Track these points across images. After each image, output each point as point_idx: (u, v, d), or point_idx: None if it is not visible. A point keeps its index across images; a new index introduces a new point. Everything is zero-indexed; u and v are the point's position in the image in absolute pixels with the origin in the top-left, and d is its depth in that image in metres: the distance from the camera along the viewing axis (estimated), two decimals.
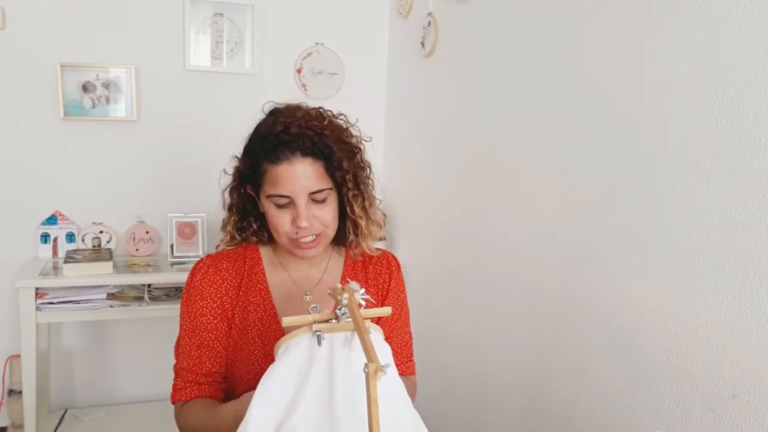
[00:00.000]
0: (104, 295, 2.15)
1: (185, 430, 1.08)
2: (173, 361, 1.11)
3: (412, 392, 1.16)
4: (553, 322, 1.52)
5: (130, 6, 2.31)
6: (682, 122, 1.12)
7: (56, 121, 2.29)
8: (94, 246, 2.38)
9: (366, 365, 0.65)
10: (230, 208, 1.14)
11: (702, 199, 1.08)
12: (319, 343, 0.76)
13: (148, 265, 2.31)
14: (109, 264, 2.16)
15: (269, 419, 0.74)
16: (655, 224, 1.19)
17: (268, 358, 1.05)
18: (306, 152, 1.01)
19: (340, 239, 1.14)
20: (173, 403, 1.10)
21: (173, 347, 1.12)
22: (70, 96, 2.28)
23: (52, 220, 2.33)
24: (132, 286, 2.25)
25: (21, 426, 2.12)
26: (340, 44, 2.59)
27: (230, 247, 1.15)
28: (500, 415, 1.77)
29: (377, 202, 1.15)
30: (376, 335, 0.81)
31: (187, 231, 2.40)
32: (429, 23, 2.18)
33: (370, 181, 1.12)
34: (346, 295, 0.77)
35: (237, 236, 1.14)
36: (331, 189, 1.05)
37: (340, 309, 0.78)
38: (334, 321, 0.79)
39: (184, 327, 1.10)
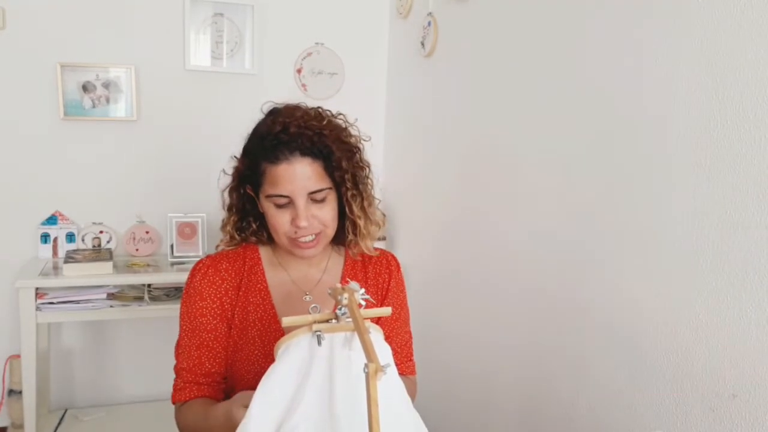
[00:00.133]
0: (104, 295, 2.15)
1: (184, 430, 1.08)
2: (173, 361, 1.12)
3: (412, 392, 1.16)
4: (553, 322, 1.52)
5: (130, 6, 2.31)
6: (682, 122, 1.12)
7: (56, 121, 2.29)
8: (94, 246, 2.38)
9: (366, 365, 0.65)
10: (230, 209, 1.14)
11: (702, 199, 1.08)
12: (319, 343, 0.76)
13: (148, 265, 2.31)
14: (109, 264, 2.16)
15: (269, 419, 0.74)
16: (655, 224, 1.19)
17: (268, 358, 1.05)
18: (305, 152, 1.01)
19: (339, 239, 1.14)
20: (173, 403, 1.10)
21: (173, 347, 1.12)
22: (70, 96, 2.28)
23: (52, 220, 2.33)
24: (132, 286, 2.25)
25: (21, 426, 2.12)
26: (340, 44, 2.59)
27: (230, 248, 1.15)
28: (500, 415, 1.77)
29: (376, 201, 1.15)
30: (376, 335, 0.81)
31: (187, 231, 2.40)
32: (429, 23, 2.18)
33: (369, 181, 1.12)
34: (346, 295, 0.77)
35: (236, 236, 1.14)
36: (330, 189, 1.05)
37: (340, 309, 0.78)
38: (334, 321, 0.79)
39: (184, 327, 1.10)
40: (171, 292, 2.25)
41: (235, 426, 0.84)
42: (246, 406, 0.84)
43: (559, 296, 1.49)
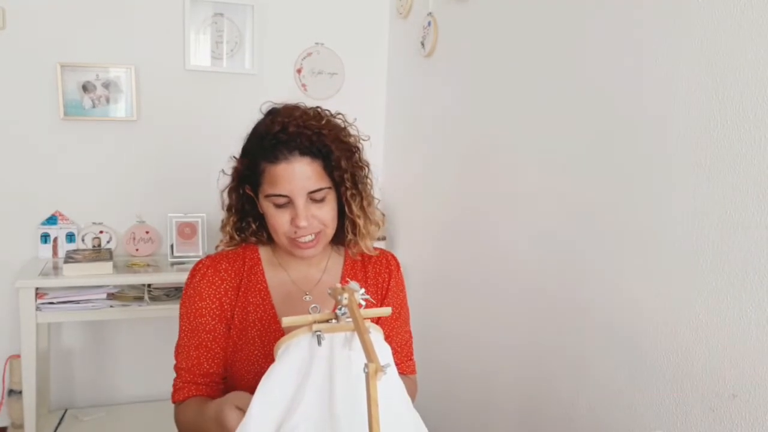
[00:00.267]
0: (104, 295, 2.15)
1: (181, 428, 1.08)
2: (173, 361, 1.12)
3: (412, 391, 1.16)
4: (553, 321, 1.52)
5: (130, 6, 2.31)
6: (682, 122, 1.12)
7: (56, 121, 2.29)
8: (94, 246, 2.38)
9: (366, 365, 0.65)
10: (229, 209, 1.14)
11: (702, 199, 1.08)
12: (319, 343, 0.76)
13: (148, 265, 2.31)
14: (109, 264, 2.16)
15: (269, 419, 0.74)
16: (655, 224, 1.19)
17: (268, 358, 1.05)
18: (304, 151, 1.01)
19: (339, 239, 1.14)
20: (173, 402, 1.10)
21: (173, 347, 1.12)
22: (70, 96, 2.28)
23: (52, 220, 2.33)
24: (132, 286, 2.25)
25: (21, 426, 2.12)
26: (340, 44, 2.59)
27: (229, 248, 1.15)
28: (500, 414, 1.77)
29: (376, 201, 1.15)
30: (376, 335, 0.81)
31: (187, 231, 2.40)
32: (429, 23, 2.18)
33: (369, 181, 1.12)
34: (345, 295, 0.77)
35: (236, 237, 1.14)
36: (329, 188, 1.05)
37: (339, 309, 0.78)
38: (334, 321, 0.79)
39: (183, 327, 1.10)
40: (171, 292, 2.25)
41: (223, 426, 0.84)
42: (237, 407, 0.84)
43: (559, 296, 1.49)
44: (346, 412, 0.73)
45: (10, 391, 2.29)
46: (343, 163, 1.04)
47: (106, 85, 2.32)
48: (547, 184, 1.54)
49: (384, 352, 0.79)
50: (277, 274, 1.14)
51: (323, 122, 1.05)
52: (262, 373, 0.77)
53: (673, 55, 1.14)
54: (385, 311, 0.85)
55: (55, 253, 2.33)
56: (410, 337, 1.24)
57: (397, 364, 0.83)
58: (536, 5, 1.59)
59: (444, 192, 2.15)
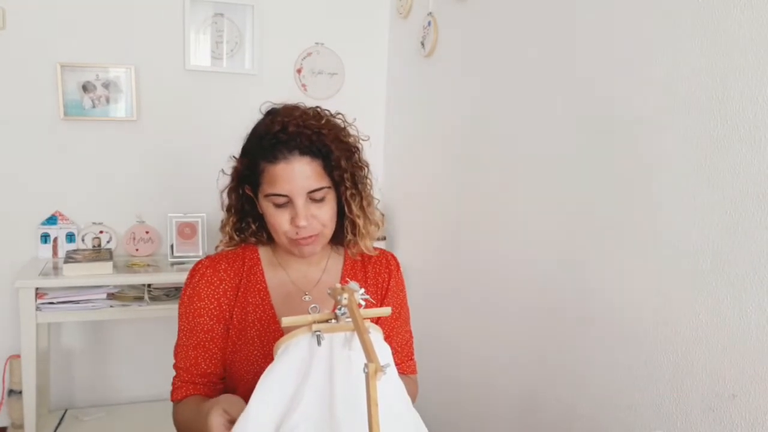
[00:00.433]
0: (104, 295, 2.15)
1: (178, 427, 1.09)
2: (173, 360, 1.12)
3: (413, 391, 1.15)
4: (554, 321, 1.51)
5: (130, 6, 2.31)
6: (682, 122, 1.12)
7: (56, 121, 2.29)
8: (94, 246, 2.38)
9: (366, 365, 0.65)
10: (229, 209, 1.14)
11: (702, 199, 1.08)
12: (319, 343, 0.76)
13: (148, 265, 2.31)
14: (109, 264, 2.16)
15: (269, 419, 0.74)
16: (655, 224, 1.19)
17: (268, 359, 1.05)
18: (304, 151, 1.01)
19: (338, 239, 1.13)
20: (172, 401, 1.11)
21: (173, 347, 1.12)
22: (70, 96, 2.28)
23: (52, 220, 2.33)
24: (132, 286, 2.25)
25: (21, 426, 2.12)
26: (340, 44, 2.59)
27: (229, 248, 1.15)
28: (500, 414, 1.77)
29: (375, 201, 1.15)
30: (376, 335, 0.81)
31: (187, 231, 2.40)
32: (429, 23, 2.18)
33: (368, 181, 1.12)
34: (345, 295, 0.77)
35: (236, 237, 1.14)
36: (329, 188, 1.05)
37: (339, 309, 0.78)
38: (333, 321, 0.79)
39: (182, 327, 1.10)
40: (171, 292, 2.25)
41: (207, 428, 0.83)
42: (225, 410, 0.84)
43: (559, 296, 1.49)
44: (345, 412, 0.73)
45: (10, 391, 2.29)
46: (343, 163, 1.04)
47: (106, 85, 2.32)
48: (546, 183, 1.54)
49: (384, 352, 0.79)
50: (276, 275, 1.14)
51: (323, 122, 1.05)
52: (262, 373, 0.77)
53: (673, 55, 1.14)
54: (385, 311, 0.85)
55: (55, 253, 2.33)
56: (411, 337, 1.24)
57: (397, 364, 0.83)
58: (536, 5, 1.59)
59: (444, 192, 2.15)
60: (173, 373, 1.11)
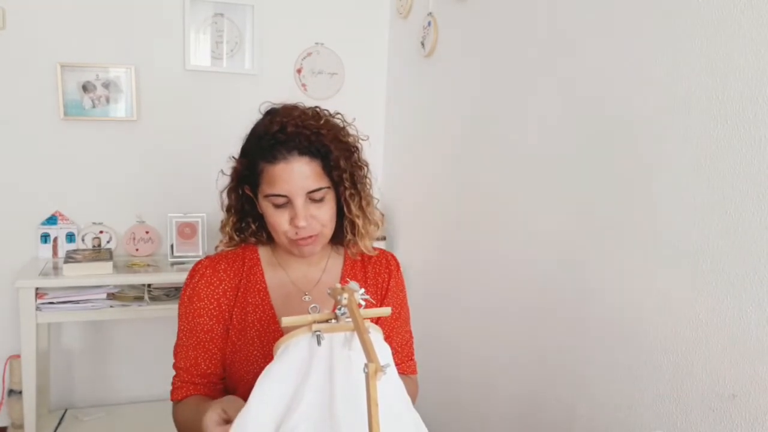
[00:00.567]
0: (104, 295, 2.15)
1: (179, 427, 1.09)
2: (173, 360, 1.12)
3: (413, 392, 1.15)
4: (554, 321, 1.51)
5: (130, 6, 2.31)
6: (682, 122, 1.12)
7: (56, 121, 2.29)
8: (94, 246, 2.38)
9: (366, 365, 0.65)
10: (228, 209, 1.14)
11: (702, 199, 1.08)
12: (319, 343, 0.76)
13: (148, 265, 2.31)
14: (109, 264, 2.16)
15: (269, 419, 0.74)
16: (655, 224, 1.19)
17: (268, 359, 1.04)
18: (303, 151, 1.01)
19: (338, 239, 1.13)
20: (172, 400, 1.11)
21: (173, 347, 1.12)
22: (70, 96, 2.28)
23: (52, 220, 2.33)
24: (132, 286, 2.25)
25: (21, 426, 2.13)
26: (340, 44, 2.59)
27: (229, 248, 1.15)
28: (500, 414, 1.77)
29: (375, 201, 1.15)
30: (376, 335, 0.81)
31: (187, 231, 2.40)
32: (429, 23, 2.18)
33: (368, 180, 1.11)
34: (345, 295, 0.77)
35: (236, 237, 1.14)
36: (328, 188, 1.05)
37: (339, 309, 0.78)
38: (333, 321, 0.79)
39: (182, 327, 1.10)
40: (171, 292, 2.25)
41: (203, 422, 0.84)
42: (224, 410, 0.84)
43: (559, 295, 1.49)
44: (345, 412, 0.73)
45: (10, 391, 2.29)
46: (342, 163, 1.04)
47: (106, 85, 2.32)
48: (546, 183, 1.54)
49: (384, 352, 0.79)
50: (276, 275, 1.14)
51: (322, 122, 1.05)
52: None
53: (673, 55, 1.14)
54: (385, 311, 0.85)
55: (55, 253, 2.33)
56: (411, 337, 1.24)
57: (397, 364, 0.83)
58: (536, 5, 1.59)
59: (443, 192, 2.15)
60: (173, 372, 1.11)
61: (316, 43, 2.57)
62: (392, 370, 0.77)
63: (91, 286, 2.14)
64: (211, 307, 1.09)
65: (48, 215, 2.33)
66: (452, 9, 2.04)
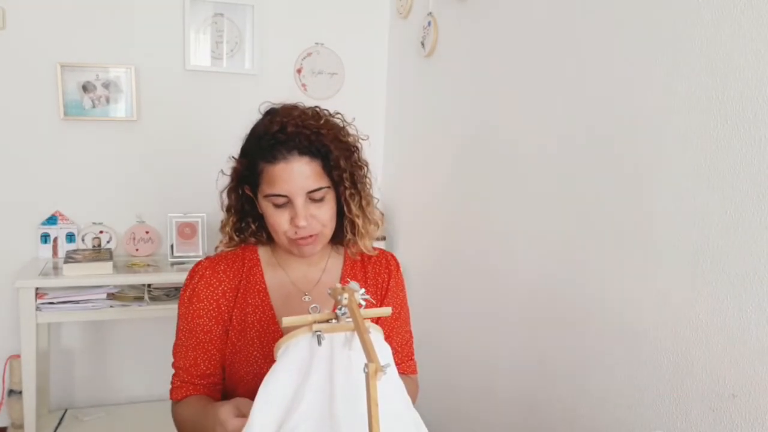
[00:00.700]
0: (104, 295, 2.15)
1: (179, 425, 1.09)
2: (172, 359, 1.12)
3: (413, 391, 1.16)
4: (554, 321, 1.51)
5: (130, 6, 2.31)
6: (682, 122, 1.12)
7: (56, 121, 2.29)
8: (94, 246, 2.38)
9: (366, 365, 0.65)
10: (228, 209, 1.14)
11: (702, 199, 1.08)
12: (319, 343, 0.76)
13: (148, 265, 2.31)
14: (109, 264, 2.16)
15: (271, 419, 0.74)
16: (655, 224, 1.19)
17: (268, 359, 1.05)
18: (303, 151, 1.01)
19: (338, 239, 1.13)
20: (171, 399, 1.11)
21: (172, 346, 1.12)
22: (70, 96, 2.28)
23: (52, 220, 2.33)
24: (132, 286, 2.25)
25: (21, 426, 2.12)
26: (340, 44, 2.59)
27: (229, 249, 1.15)
28: (500, 414, 1.77)
29: (375, 201, 1.15)
30: (376, 335, 0.81)
31: (187, 231, 2.40)
32: (429, 23, 2.18)
33: (368, 180, 1.11)
34: (345, 295, 0.77)
35: (235, 237, 1.14)
36: (328, 188, 1.05)
37: (339, 309, 0.78)
38: (333, 321, 0.79)
39: (181, 328, 1.10)
40: (171, 292, 2.25)
41: (217, 414, 0.85)
42: (238, 407, 0.85)
43: (559, 296, 1.49)
44: (346, 412, 0.73)
45: (10, 391, 2.29)
46: (342, 163, 1.04)
47: (106, 85, 2.32)
48: (546, 183, 1.54)
49: (384, 352, 0.79)
50: (276, 275, 1.14)
51: (322, 122, 1.05)
52: (262, 374, 0.77)
53: (673, 55, 1.14)
54: (385, 311, 0.85)
55: (55, 253, 2.33)
56: (411, 336, 1.24)
57: (397, 364, 0.83)
58: (536, 5, 1.59)
59: (443, 192, 2.15)
60: (172, 372, 1.11)
61: (316, 43, 2.57)
62: (392, 370, 0.77)
63: (91, 286, 2.14)
64: (211, 307, 1.09)
65: (48, 215, 2.33)
66: (452, 9, 2.04)
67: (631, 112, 1.25)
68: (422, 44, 2.25)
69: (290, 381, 0.76)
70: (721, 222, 1.04)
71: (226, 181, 1.13)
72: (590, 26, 1.38)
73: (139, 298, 2.21)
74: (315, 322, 0.78)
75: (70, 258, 2.16)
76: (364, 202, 1.10)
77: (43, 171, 2.31)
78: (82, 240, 2.36)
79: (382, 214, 1.19)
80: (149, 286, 2.25)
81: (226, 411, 0.86)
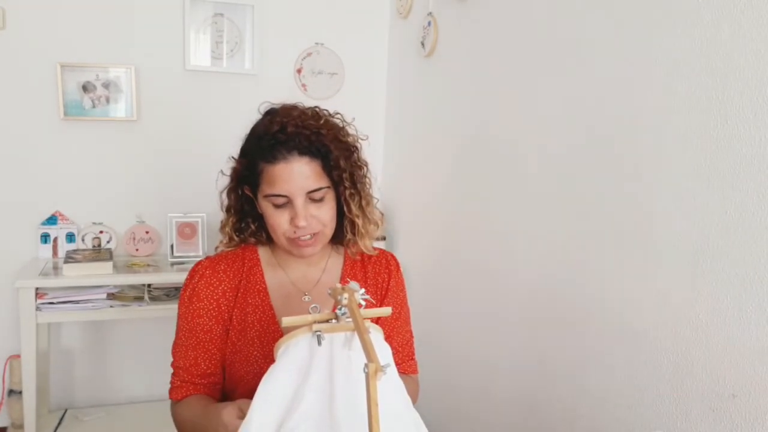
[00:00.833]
0: (104, 295, 2.15)
1: (180, 425, 1.09)
2: (172, 359, 1.12)
3: (414, 391, 1.16)
4: (553, 321, 1.51)
5: (130, 6, 2.31)
6: (682, 122, 1.12)
7: (56, 121, 2.29)
8: (94, 246, 2.38)
9: (366, 365, 0.65)
10: (228, 210, 1.14)
11: (702, 199, 1.08)
12: (319, 343, 0.76)
13: (148, 265, 2.31)
14: (109, 264, 2.16)
15: (271, 419, 0.74)
16: (655, 224, 1.19)
17: (268, 359, 1.05)
18: (303, 151, 1.01)
19: (338, 238, 1.13)
20: (170, 399, 1.11)
21: (171, 346, 1.12)
22: (70, 96, 2.28)
23: (52, 220, 2.33)
24: (132, 286, 2.25)
25: (21, 426, 2.12)
26: (340, 44, 2.59)
27: (229, 249, 1.15)
28: (501, 414, 1.77)
29: (375, 201, 1.15)
30: (376, 335, 0.81)
31: (187, 231, 2.40)
32: (429, 23, 2.18)
33: (367, 180, 1.12)
34: (345, 295, 0.77)
35: (235, 237, 1.14)
36: (328, 188, 1.05)
37: (339, 309, 0.78)
38: (333, 321, 0.79)
39: (181, 327, 1.10)
40: (171, 292, 2.25)
41: (220, 419, 0.85)
42: (241, 408, 0.85)
43: (559, 296, 1.49)
44: (346, 412, 0.73)
45: (10, 391, 2.29)
46: (342, 163, 1.04)
47: (106, 85, 2.32)
48: (546, 183, 1.54)
49: (384, 352, 0.79)
50: (276, 275, 1.14)
51: (321, 122, 1.05)
52: (262, 374, 0.77)
53: (673, 55, 1.14)
54: (385, 311, 0.85)
55: (55, 253, 2.33)
56: (411, 336, 1.24)
57: (398, 364, 0.83)
58: (536, 5, 1.59)
59: (443, 192, 2.15)
60: (171, 369, 1.12)
61: (316, 43, 2.57)
62: (392, 370, 0.77)
63: (91, 286, 2.14)
64: (211, 307, 1.09)
65: (48, 215, 2.33)
66: (452, 9, 2.04)
67: (631, 112, 1.25)
68: (422, 44, 2.25)
69: (290, 381, 0.76)
70: (721, 222, 1.04)
71: (226, 181, 1.13)
72: (590, 26, 1.38)
73: (139, 298, 2.21)
74: (315, 322, 0.78)
75: (70, 258, 2.16)
76: (363, 202, 1.10)
77: (43, 171, 2.31)
78: (82, 240, 2.36)
79: (382, 214, 1.19)
80: (149, 286, 2.25)
81: (229, 412, 0.87)
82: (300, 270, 1.15)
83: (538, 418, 1.58)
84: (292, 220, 1.02)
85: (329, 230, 1.08)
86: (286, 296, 1.12)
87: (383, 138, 2.71)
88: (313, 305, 1.11)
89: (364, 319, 0.75)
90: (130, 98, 2.34)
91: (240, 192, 1.10)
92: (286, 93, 2.28)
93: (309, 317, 0.78)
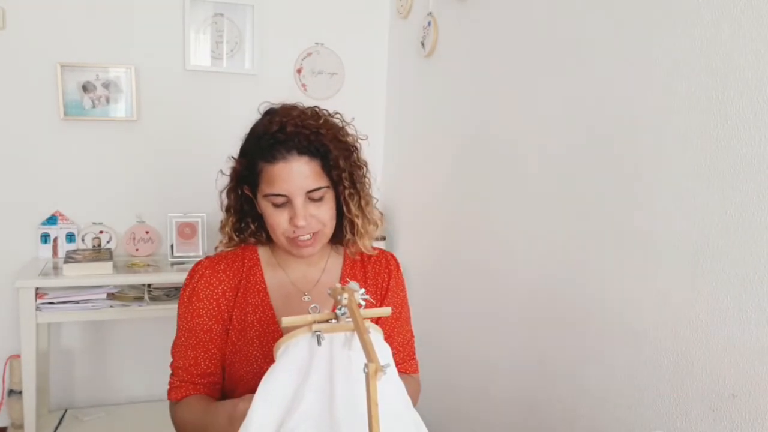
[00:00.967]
0: (104, 295, 2.15)
1: (180, 426, 1.08)
2: (171, 359, 1.12)
3: (415, 391, 1.16)
4: (553, 321, 1.51)
5: (130, 6, 2.31)
6: (682, 122, 1.12)
7: (56, 121, 2.29)
8: (94, 246, 2.38)
9: (366, 365, 0.65)
10: (228, 210, 1.14)
11: (702, 199, 1.08)
12: (319, 343, 0.76)
13: (148, 265, 2.31)
14: (109, 264, 2.16)
15: (270, 420, 0.74)
16: (655, 224, 1.19)
17: (268, 359, 1.05)
18: (302, 151, 1.01)
19: (337, 238, 1.13)
20: (170, 399, 1.11)
21: (170, 346, 1.12)
22: (70, 96, 2.28)
23: (52, 220, 2.33)
24: (132, 286, 2.25)
25: (21, 426, 2.12)
26: (340, 44, 2.59)
27: (229, 249, 1.15)
28: (500, 414, 1.77)
29: (374, 200, 1.15)
30: (376, 335, 0.81)
31: (187, 231, 2.40)
32: (429, 23, 2.18)
33: (367, 180, 1.12)
34: (345, 295, 0.77)
35: (235, 237, 1.14)
36: (327, 187, 1.05)
37: (339, 309, 0.78)
38: (333, 321, 0.79)
39: (181, 327, 1.10)
40: (171, 292, 2.25)
41: (236, 411, 0.85)
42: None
43: (559, 296, 1.49)
44: (345, 412, 0.73)
45: (10, 391, 2.29)
46: (341, 163, 1.04)
47: (106, 85, 2.32)
48: (546, 183, 1.54)
49: (384, 352, 0.79)
50: (276, 275, 1.14)
51: (321, 121, 1.05)
52: (262, 374, 0.77)
53: (673, 55, 1.14)
54: (385, 311, 0.85)
55: (55, 253, 2.33)
56: (412, 336, 1.24)
57: (398, 364, 0.83)
58: (536, 5, 1.59)
59: (443, 192, 2.15)
60: (170, 370, 1.11)
61: (316, 43, 2.57)
62: (392, 370, 0.77)
63: (91, 286, 2.14)
64: (211, 307, 1.09)
65: (48, 215, 2.33)
66: (452, 9, 2.04)
67: (631, 112, 1.25)
68: (422, 44, 2.25)
69: (290, 381, 0.76)
70: (721, 222, 1.04)
71: (225, 181, 1.13)
72: (590, 26, 1.38)
73: (139, 298, 2.21)
74: (315, 322, 0.78)
75: (70, 258, 2.16)
76: (363, 202, 1.10)
77: (43, 171, 2.31)
78: (82, 240, 2.36)
79: (382, 214, 1.19)
80: (149, 286, 2.25)
81: (244, 407, 0.85)
82: (300, 270, 1.15)
83: (538, 418, 1.58)
84: (292, 219, 1.03)
85: (329, 230, 1.08)
86: (285, 296, 1.12)
87: (383, 138, 2.71)
88: (313, 305, 1.11)
89: (364, 319, 0.75)
90: (130, 98, 2.34)
91: (240, 192, 1.10)
92: (286, 93, 2.28)
93: (309, 317, 0.78)
